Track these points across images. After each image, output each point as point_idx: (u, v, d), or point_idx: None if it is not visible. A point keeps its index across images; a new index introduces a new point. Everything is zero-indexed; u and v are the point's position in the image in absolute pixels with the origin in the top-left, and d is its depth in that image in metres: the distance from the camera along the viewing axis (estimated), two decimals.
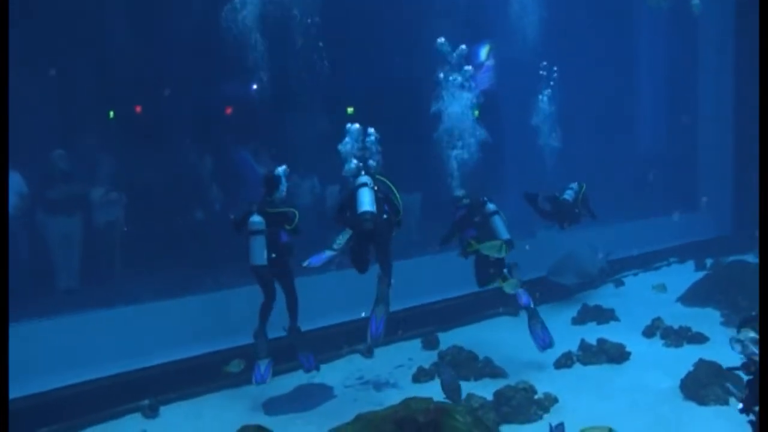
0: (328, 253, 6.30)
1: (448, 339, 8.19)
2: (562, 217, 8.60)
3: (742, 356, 3.58)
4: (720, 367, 6.12)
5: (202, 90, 10.14)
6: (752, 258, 10.73)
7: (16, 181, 7.53)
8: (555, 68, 10.90)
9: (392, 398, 6.32)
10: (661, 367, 6.94)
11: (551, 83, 10.92)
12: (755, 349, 3.54)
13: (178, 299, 7.59)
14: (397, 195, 6.73)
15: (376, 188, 6.51)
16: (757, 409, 3.41)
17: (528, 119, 11.25)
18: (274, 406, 6.58)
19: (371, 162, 6.82)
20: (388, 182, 6.77)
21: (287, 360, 6.97)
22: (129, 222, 8.85)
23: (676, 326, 8.00)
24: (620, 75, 14.70)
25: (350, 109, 10.60)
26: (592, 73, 13.02)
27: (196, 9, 9.49)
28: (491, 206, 7.32)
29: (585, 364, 7.26)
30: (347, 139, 6.78)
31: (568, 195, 8.62)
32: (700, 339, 7.75)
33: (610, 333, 7.84)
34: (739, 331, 3.64)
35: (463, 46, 7.91)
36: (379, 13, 10.87)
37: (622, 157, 14.37)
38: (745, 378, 3.64)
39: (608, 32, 13.65)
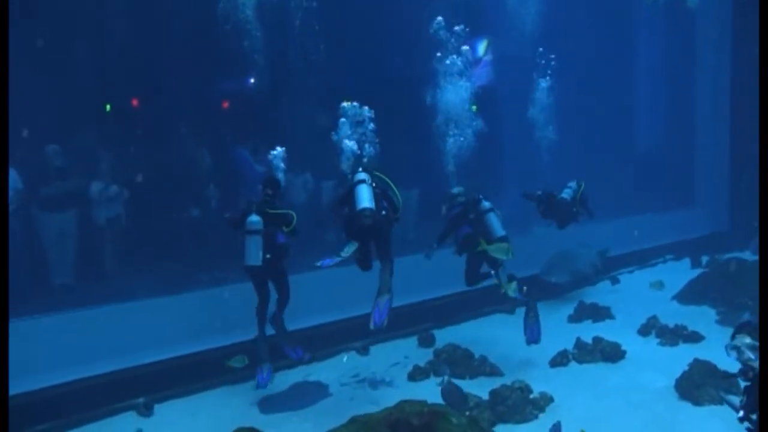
0: (336, 259, 6.29)
1: (444, 336, 8.21)
2: (560, 216, 8.59)
3: (738, 362, 3.58)
4: (715, 367, 6.14)
5: (199, 86, 10.09)
6: (749, 255, 10.76)
7: (11, 177, 7.49)
8: (552, 61, 10.87)
9: (388, 396, 6.38)
10: (656, 367, 6.95)
11: (547, 76, 10.89)
12: (751, 355, 3.53)
13: (173, 296, 7.57)
14: (396, 191, 6.71)
15: (374, 185, 6.49)
16: (755, 417, 3.40)
17: (524, 116, 11.23)
18: (269, 403, 6.58)
19: (367, 146, 6.82)
20: (386, 179, 6.75)
21: (282, 357, 6.96)
22: (124, 219, 8.80)
23: (671, 325, 8.02)
24: (618, 72, 14.68)
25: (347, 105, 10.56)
26: (590, 71, 13.01)
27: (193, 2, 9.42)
28: (486, 204, 7.32)
29: (580, 362, 7.27)
30: (342, 119, 6.77)
31: (567, 194, 8.60)
32: (695, 338, 7.76)
33: (606, 331, 7.85)
34: (734, 337, 3.63)
35: (462, 26, 7.90)
36: (378, 10, 10.83)
37: (619, 154, 14.36)
38: (743, 384, 3.63)
39: (605, 31, 13.62)
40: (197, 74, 9.89)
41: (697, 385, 6.10)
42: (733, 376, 3.64)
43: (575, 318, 8.96)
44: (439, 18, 8.11)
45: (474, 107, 8.57)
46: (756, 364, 3.50)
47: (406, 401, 4.02)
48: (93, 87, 9.42)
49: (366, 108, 6.89)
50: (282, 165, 6.87)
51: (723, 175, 13.34)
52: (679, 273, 10.74)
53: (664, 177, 14.04)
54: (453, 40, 8.05)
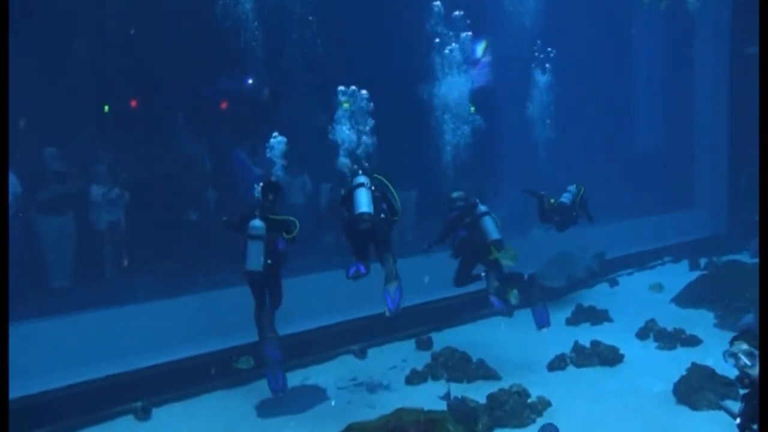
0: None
1: (442, 340, 8.19)
2: (559, 219, 8.59)
3: (736, 369, 3.57)
4: (713, 371, 6.13)
5: (197, 87, 10.08)
6: (747, 258, 10.76)
7: (10, 181, 7.46)
8: (552, 62, 10.87)
9: (385, 400, 6.38)
10: (654, 371, 6.94)
11: (545, 71, 10.89)
12: (747, 361, 3.53)
13: (172, 299, 7.57)
14: (395, 194, 6.71)
15: (373, 188, 6.48)
16: (755, 427, 3.39)
17: (523, 116, 11.22)
18: (267, 407, 6.56)
19: (365, 137, 6.81)
20: (385, 181, 6.74)
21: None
22: (124, 221, 8.79)
23: (669, 328, 8.00)
24: (617, 74, 14.67)
25: (346, 105, 10.53)
26: (589, 72, 12.99)
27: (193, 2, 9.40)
28: (482, 207, 7.35)
29: (578, 366, 7.26)
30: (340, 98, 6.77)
31: (566, 198, 8.62)
32: (693, 342, 7.75)
33: (604, 334, 7.84)
34: (732, 344, 3.63)
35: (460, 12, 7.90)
36: (378, 10, 10.81)
37: (618, 155, 14.36)
38: (741, 392, 3.63)
39: (605, 32, 13.60)
40: (197, 74, 9.88)
41: (695, 389, 6.08)
42: (732, 383, 3.64)
43: (573, 321, 8.95)
44: (437, 2, 8.10)
45: (472, 108, 8.56)
46: (752, 371, 3.50)
47: (403, 409, 4.01)
48: (92, 87, 9.41)
49: (364, 92, 6.87)
50: (281, 161, 6.83)
51: (722, 175, 13.35)
52: (678, 275, 10.74)
53: (663, 178, 14.05)
54: (451, 33, 8.03)
